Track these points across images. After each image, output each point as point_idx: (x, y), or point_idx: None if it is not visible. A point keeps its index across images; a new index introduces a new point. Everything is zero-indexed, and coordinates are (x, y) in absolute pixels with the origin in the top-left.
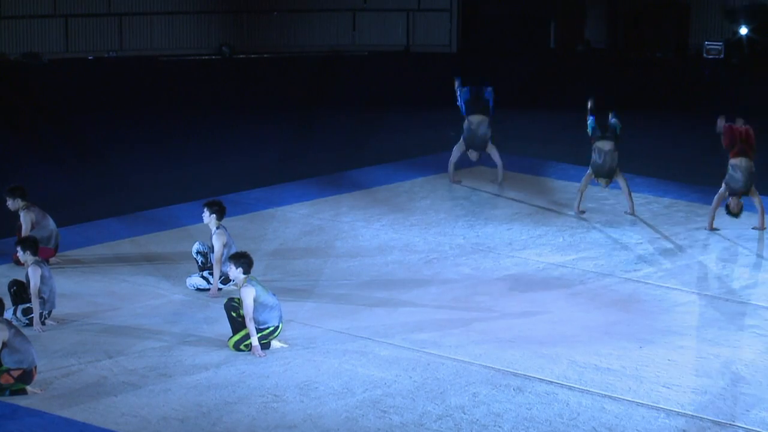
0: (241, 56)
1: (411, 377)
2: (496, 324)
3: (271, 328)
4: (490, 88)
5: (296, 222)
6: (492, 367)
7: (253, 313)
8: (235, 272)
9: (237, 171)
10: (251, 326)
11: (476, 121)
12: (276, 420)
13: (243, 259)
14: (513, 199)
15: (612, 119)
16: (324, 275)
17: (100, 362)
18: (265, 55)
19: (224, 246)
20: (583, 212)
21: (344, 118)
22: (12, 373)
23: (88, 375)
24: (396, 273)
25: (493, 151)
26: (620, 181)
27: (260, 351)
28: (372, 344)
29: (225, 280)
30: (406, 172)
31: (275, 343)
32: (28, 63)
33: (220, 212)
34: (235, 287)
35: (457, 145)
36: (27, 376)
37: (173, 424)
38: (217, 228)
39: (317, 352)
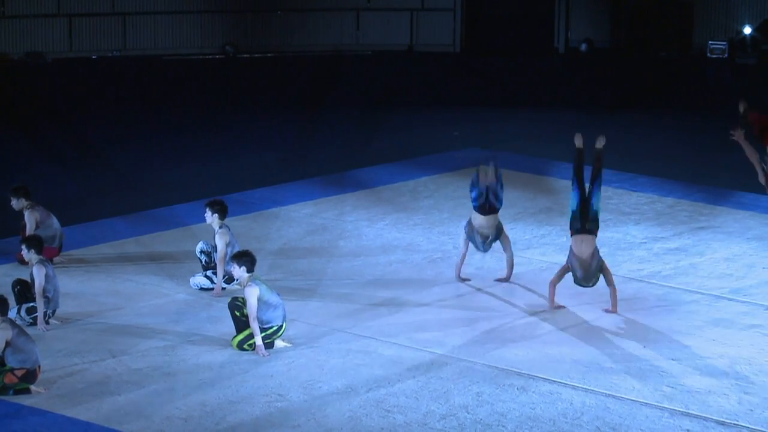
0: (244, 56)
1: (415, 377)
2: (499, 323)
3: (275, 328)
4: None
5: (300, 221)
6: (496, 367)
7: (257, 312)
8: (239, 271)
9: (240, 170)
10: (255, 326)
11: (486, 225)
12: (280, 419)
13: (246, 258)
14: (516, 199)
15: (593, 199)
16: (327, 275)
17: (104, 361)
18: (269, 55)
19: (227, 245)
20: (560, 307)
21: (348, 118)
22: (16, 372)
23: (92, 374)
24: (399, 272)
25: (505, 242)
26: (606, 277)
27: (264, 350)
28: (375, 344)
29: (229, 279)
30: (410, 171)
31: (279, 343)
32: (31, 62)
33: (222, 212)
34: (238, 287)
35: (463, 240)
36: (31, 375)
37: (177, 423)
38: (220, 227)
39: (321, 351)
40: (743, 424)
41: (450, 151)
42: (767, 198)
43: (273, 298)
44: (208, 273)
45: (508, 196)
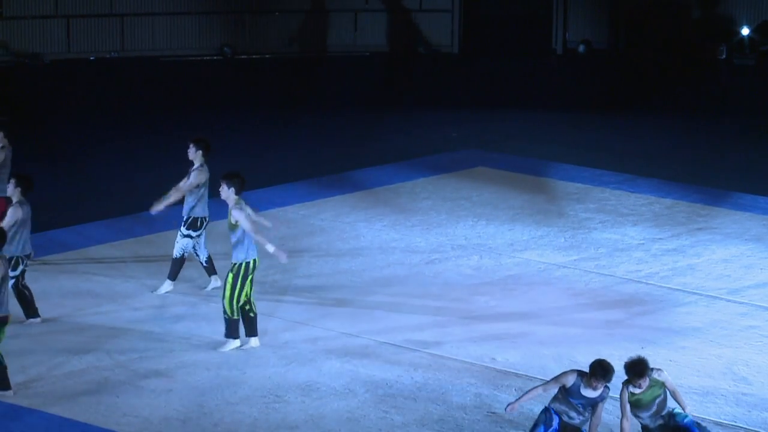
0: (242, 57)
1: (413, 377)
2: (497, 324)
3: (251, 262)
4: None
5: (297, 222)
6: (493, 368)
7: (237, 244)
8: (227, 192)
9: (238, 171)
10: (260, 238)
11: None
12: (278, 420)
13: (236, 179)
14: (514, 200)
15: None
16: (325, 276)
17: (102, 363)
18: (267, 56)
19: (201, 185)
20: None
21: (345, 119)
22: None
23: (90, 375)
24: (397, 273)
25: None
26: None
27: (283, 256)
28: (373, 345)
29: (192, 224)
30: (408, 172)
31: (254, 342)
32: (29, 64)
33: (206, 148)
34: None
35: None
36: (3, 321)
37: (175, 425)
38: (201, 165)
39: (319, 352)
40: (741, 425)
41: (448, 152)
42: (766, 199)
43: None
44: (184, 231)
45: (506, 197)
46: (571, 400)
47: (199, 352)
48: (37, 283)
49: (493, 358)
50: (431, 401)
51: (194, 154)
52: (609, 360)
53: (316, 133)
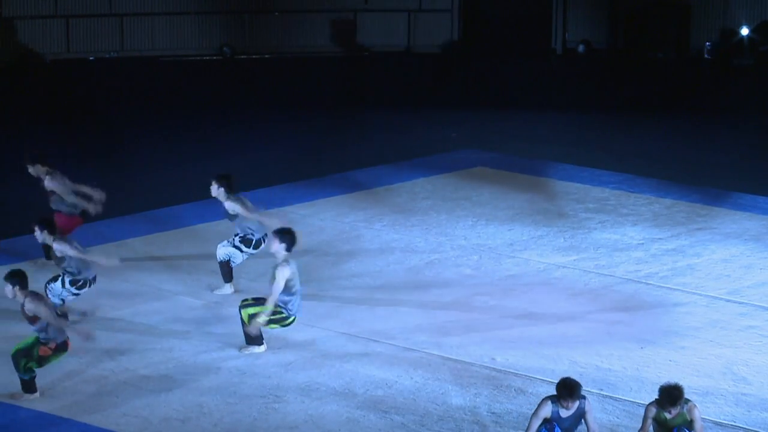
0: (242, 57)
1: (412, 378)
2: (497, 324)
3: (290, 318)
4: None
5: (297, 222)
6: (493, 368)
7: (281, 294)
8: (278, 246)
9: (238, 171)
10: (270, 304)
11: None
12: (277, 420)
13: (289, 236)
14: (514, 200)
15: None
16: (325, 276)
17: (101, 362)
18: (267, 56)
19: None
20: None
21: (345, 119)
22: (50, 345)
23: (89, 375)
24: (397, 274)
25: None
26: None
27: (263, 320)
28: (373, 345)
29: (246, 242)
30: (408, 172)
31: (257, 350)
32: (29, 63)
33: (229, 185)
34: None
35: None
36: (63, 346)
37: (174, 425)
38: (236, 200)
39: (318, 352)
40: (740, 425)
41: (448, 152)
42: (765, 199)
43: (297, 284)
44: (236, 242)
45: (506, 197)
46: (557, 427)
47: (199, 352)
48: (37, 283)
49: (493, 358)
50: (431, 401)
51: (216, 191)
52: (608, 360)
53: (316, 133)
